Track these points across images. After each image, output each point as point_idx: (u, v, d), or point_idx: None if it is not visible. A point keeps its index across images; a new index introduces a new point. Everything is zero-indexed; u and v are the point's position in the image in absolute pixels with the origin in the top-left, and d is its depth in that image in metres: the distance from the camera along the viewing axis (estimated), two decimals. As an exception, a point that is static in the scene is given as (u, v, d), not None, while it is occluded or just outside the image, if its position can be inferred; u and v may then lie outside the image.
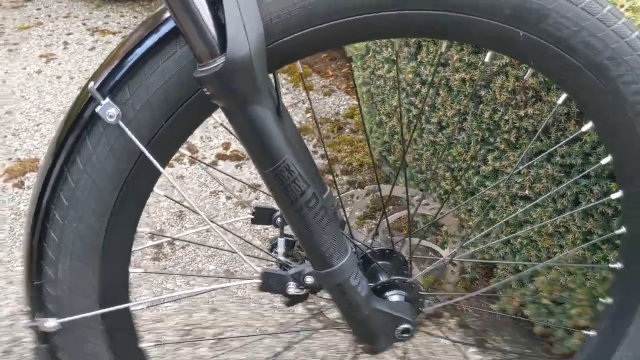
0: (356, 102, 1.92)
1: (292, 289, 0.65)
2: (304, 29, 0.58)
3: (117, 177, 0.61)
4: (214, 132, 1.79)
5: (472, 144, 1.08)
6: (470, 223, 1.15)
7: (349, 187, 1.58)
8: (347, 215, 0.73)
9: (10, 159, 1.68)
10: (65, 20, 2.56)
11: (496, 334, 1.17)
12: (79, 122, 0.59)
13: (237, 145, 1.74)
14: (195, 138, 1.76)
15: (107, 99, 0.56)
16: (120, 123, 0.57)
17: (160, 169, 0.60)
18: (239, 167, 1.66)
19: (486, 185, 1.08)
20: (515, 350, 1.13)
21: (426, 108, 1.17)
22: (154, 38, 0.58)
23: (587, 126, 0.66)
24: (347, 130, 1.80)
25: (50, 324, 0.64)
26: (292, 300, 0.70)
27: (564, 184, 0.92)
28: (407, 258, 0.72)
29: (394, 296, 0.69)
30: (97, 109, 0.56)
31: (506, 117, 0.98)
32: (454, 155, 1.13)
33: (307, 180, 0.59)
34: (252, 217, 0.75)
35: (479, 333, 1.18)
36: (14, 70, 2.12)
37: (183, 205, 1.44)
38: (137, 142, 0.58)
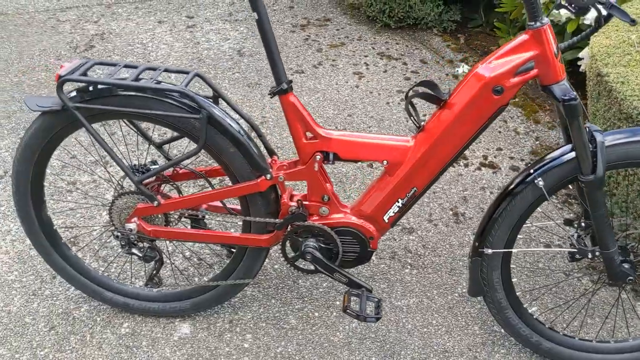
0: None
1: (584, 258, 1.58)
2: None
3: (527, 205, 1.56)
4: (476, 147, 2.73)
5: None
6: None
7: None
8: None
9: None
10: (359, 42, 3.59)
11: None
12: (519, 186, 1.53)
13: (492, 158, 2.67)
14: (468, 150, 2.71)
15: (540, 178, 1.50)
16: (542, 188, 1.51)
17: (549, 199, 1.55)
18: (495, 173, 2.59)
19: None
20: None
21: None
22: (569, 155, 1.49)
23: None
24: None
25: (488, 251, 1.62)
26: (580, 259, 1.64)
27: None
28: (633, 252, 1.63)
29: (626, 265, 1.59)
30: (535, 181, 1.51)
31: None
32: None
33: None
34: (565, 220, 1.68)
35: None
36: (340, 83, 3.17)
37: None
38: (546, 194, 1.52)
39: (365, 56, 3.43)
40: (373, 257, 2.14)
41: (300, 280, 2.05)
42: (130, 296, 1.88)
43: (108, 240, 2.16)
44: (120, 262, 2.08)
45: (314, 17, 3.88)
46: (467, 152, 2.68)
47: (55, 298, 1.96)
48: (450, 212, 2.36)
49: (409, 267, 2.12)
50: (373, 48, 3.52)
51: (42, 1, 4.07)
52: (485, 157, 2.67)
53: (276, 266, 2.10)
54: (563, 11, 2.63)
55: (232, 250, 1.90)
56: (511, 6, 3.02)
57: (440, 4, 3.63)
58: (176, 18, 3.86)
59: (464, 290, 2.03)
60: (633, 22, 1.28)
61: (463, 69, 3.23)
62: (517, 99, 3.04)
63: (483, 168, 2.61)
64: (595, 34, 2.25)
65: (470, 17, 3.81)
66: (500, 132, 2.82)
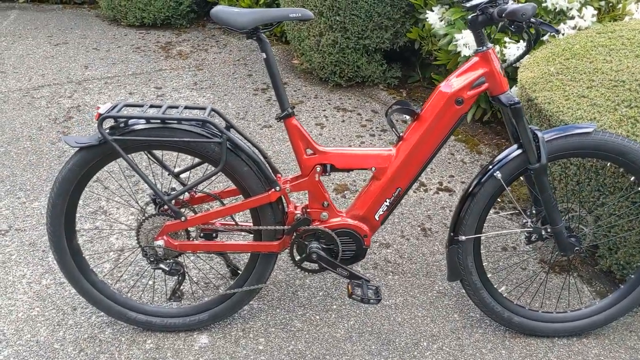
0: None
1: (539, 238, 1.93)
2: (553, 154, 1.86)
3: (489, 196, 1.90)
4: (432, 175, 3.10)
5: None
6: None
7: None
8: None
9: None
10: (316, 100, 3.98)
11: (597, 280, 2.39)
12: (480, 180, 1.88)
13: (447, 183, 3.03)
14: (422, 177, 3.08)
15: (499, 171, 1.85)
16: (500, 179, 1.85)
17: (507, 187, 1.89)
18: (451, 195, 2.95)
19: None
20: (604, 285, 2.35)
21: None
22: (516, 152, 1.84)
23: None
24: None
25: (462, 238, 1.93)
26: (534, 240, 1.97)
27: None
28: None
29: (573, 239, 1.94)
30: (495, 174, 1.85)
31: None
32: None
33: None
34: (528, 207, 2.03)
35: (589, 278, 2.40)
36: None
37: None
38: (504, 184, 1.86)
39: (324, 110, 3.81)
40: (359, 268, 2.42)
41: (298, 292, 2.28)
42: (152, 314, 2.06)
43: (129, 264, 2.34)
44: (140, 286, 2.27)
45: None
46: (425, 180, 3.05)
47: (79, 326, 2.12)
48: (419, 229, 2.68)
49: (390, 273, 2.40)
50: (329, 103, 3.91)
51: (14, 82, 4.28)
52: (440, 183, 3.03)
53: (276, 284, 2.33)
54: (511, 51, 3.06)
55: (238, 271, 2.14)
56: (446, 59, 3.49)
57: (383, 64, 4.09)
58: (145, 89, 4.15)
59: (441, 288, 2.32)
60: (557, 32, 1.68)
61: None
62: (460, 136, 3.47)
63: (440, 192, 2.96)
64: (521, 70, 2.71)
65: (409, 75, 4.29)
66: (450, 162, 3.21)
